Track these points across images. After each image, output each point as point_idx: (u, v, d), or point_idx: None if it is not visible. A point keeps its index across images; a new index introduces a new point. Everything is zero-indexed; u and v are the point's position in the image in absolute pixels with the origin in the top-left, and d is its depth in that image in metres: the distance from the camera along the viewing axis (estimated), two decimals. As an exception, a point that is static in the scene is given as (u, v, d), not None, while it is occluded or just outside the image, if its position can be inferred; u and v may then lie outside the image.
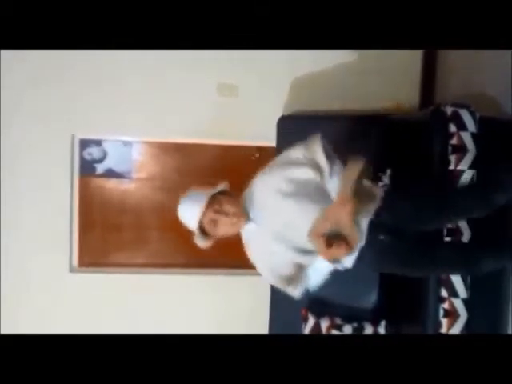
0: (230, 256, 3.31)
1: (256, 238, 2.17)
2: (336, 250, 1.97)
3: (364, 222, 2.09)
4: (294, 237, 2.09)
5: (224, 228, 2.10)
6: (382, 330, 2.69)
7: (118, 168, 3.30)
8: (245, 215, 2.13)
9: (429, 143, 2.53)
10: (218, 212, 2.07)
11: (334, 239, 1.97)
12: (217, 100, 3.15)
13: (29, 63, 2.99)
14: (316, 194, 2.11)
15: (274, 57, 2.96)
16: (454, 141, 2.44)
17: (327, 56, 3.04)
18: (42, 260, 3.13)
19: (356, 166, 2.04)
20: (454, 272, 2.39)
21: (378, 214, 2.11)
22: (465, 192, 2.34)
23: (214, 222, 2.08)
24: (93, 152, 3.26)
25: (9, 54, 2.90)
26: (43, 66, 3.02)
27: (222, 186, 2.14)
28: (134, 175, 3.32)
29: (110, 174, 3.29)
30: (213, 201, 2.07)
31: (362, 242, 2.08)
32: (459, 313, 2.42)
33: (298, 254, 2.11)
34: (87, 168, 3.25)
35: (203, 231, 2.11)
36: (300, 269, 2.15)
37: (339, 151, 2.17)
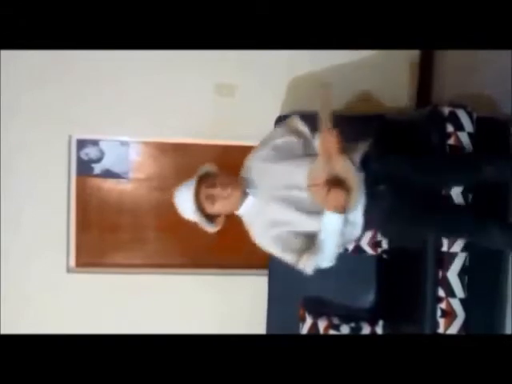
0: (227, 256, 3.33)
1: (259, 215, 2.13)
2: (335, 195, 1.96)
3: (355, 156, 2.10)
4: (297, 196, 2.07)
5: (222, 202, 2.08)
6: (379, 330, 2.70)
7: (115, 168, 3.29)
8: (240, 185, 2.12)
9: (426, 143, 2.53)
10: (211, 186, 2.06)
11: (330, 184, 1.97)
12: (215, 100, 3.15)
13: (26, 63, 2.99)
14: (304, 152, 2.15)
15: (272, 57, 2.96)
16: (451, 141, 2.45)
17: (325, 56, 3.04)
18: (39, 260, 3.12)
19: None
20: (456, 231, 2.33)
21: (367, 161, 2.12)
22: (454, 157, 2.38)
23: (211, 198, 2.06)
24: (90, 152, 3.25)
25: (7, 55, 2.90)
26: (41, 66, 3.02)
27: (209, 165, 2.16)
28: (132, 175, 3.32)
29: (108, 174, 3.29)
30: (205, 178, 2.08)
31: (360, 181, 2.06)
32: (457, 313, 2.42)
33: (306, 215, 2.07)
34: (84, 168, 3.25)
35: (205, 214, 2.09)
36: (312, 239, 2.09)
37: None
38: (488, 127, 2.51)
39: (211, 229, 2.13)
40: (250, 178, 2.17)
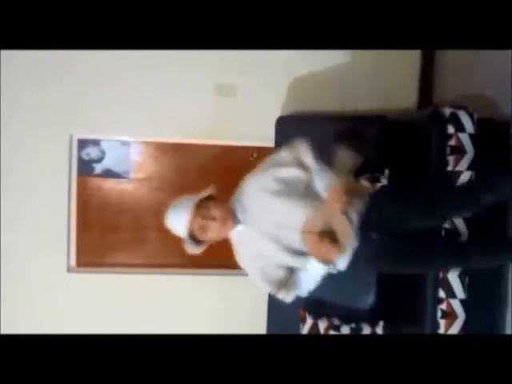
0: (227, 256, 3.31)
1: (246, 242, 2.17)
2: (327, 249, 1.98)
3: (355, 216, 2.10)
4: (286, 236, 2.10)
5: (213, 233, 2.11)
6: (379, 331, 2.69)
7: (115, 168, 3.29)
8: (232, 218, 2.13)
9: (427, 144, 2.53)
10: (205, 217, 2.08)
11: (325, 237, 1.98)
12: (215, 100, 3.15)
13: (27, 63, 2.99)
14: (305, 192, 2.13)
15: (273, 57, 2.96)
16: (452, 142, 2.45)
17: (325, 56, 3.04)
18: (40, 260, 3.12)
19: (346, 159, 2.07)
20: (448, 268, 2.37)
21: (366, 212, 2.12)
22: (454, 191, 2.33)
23: (203, 228, 2.09)
24: (91, 152, 3.25)
25: (7, 54, 2.90)
26: (41, 66, 3.01)
27: (209, 190, 2.14)
28: (132, 175, 3.32)
29: (108, 173, 3.29)
30: (200, 207, 2.08)
31: (354, 241, 2.08)
32: (457, 314, 2.42)
33: (291, 255, 2.11)
34: (85, 168, 3.24)
35: (193, 238, 2.11)
36: (292, 273, 2.15)
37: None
38: (489, 128, 2.51)
39: (195, 251, 2.15)
40: (243, 203, 2.17)
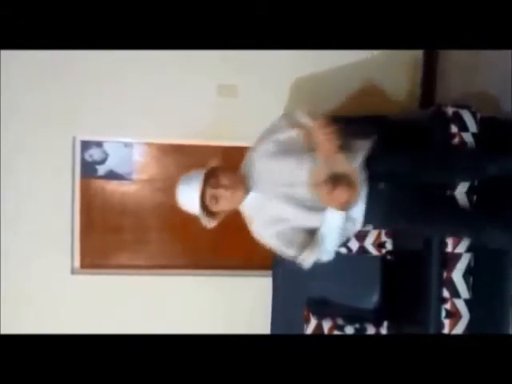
0: (231, 257, 3.33)
1: (260, 209, 2.15)
2: (339, 192, 1.97)
3: (359, 156, 2.11)
4: (298, 194, 2.09)
5: (225, 202, 2.10)
6: (384, 331, 2.69)
7: (118, 169, 3.30)
8: (243, 185, 2.13)
9: (429, 144, 2.52)
10: (216, 186, 2.07)
11: (333, 182, 1.98)
12: (217, 101, 3.15)
13: (29, 64, 3.00)
14: (306, 148, 2.13)
15: (275, 57, 2.96)
16: (455, 141, 2.44)
17: (328, 56, 3.04)
18: (44, 262, 3.12)
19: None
20: (457, 235, 2.35)
21: (368, 163, 2.12)
22: (459, 154, 2.36)
23: (215, 198, 2.08)
24: (94, 153, 3.26)
25: (9, 55, 2.90)
26: (44, 67, 3.02)
27: (214, 162, 2.16)
28: (135, 176, 3.32)
29: (111, 175, 3.29)
30: (209, 177, 2.08)
31: (362, 176, 2.08)
32: (461, 313, 2.41)
33: (307, 212, 2.09)
34: (88, 170, 3.25)
35: (206, 210, 2.10)
36: (312, 234, 2.12)
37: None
38: (492, 127, 2.51)
39: (210, 224, 2.14)
40: (251, 173, 2.17)
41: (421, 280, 2.49)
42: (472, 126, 2.45)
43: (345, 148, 2.07)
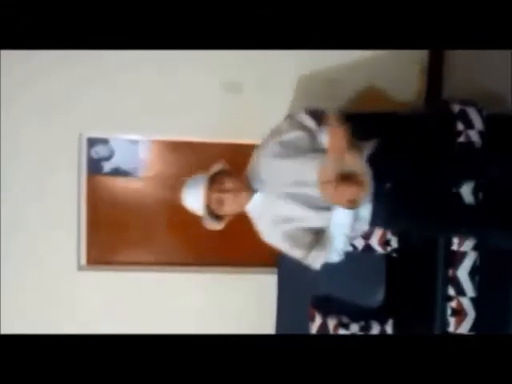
0: (236, 254, 3.33)
1: (267, 211, 2.15)
2: (347, 189, 1.97)
3: (365, 155, 2.11)
4: (305, 193, 2.08)
5: (230, 205, 2.11)
6: (389, 329, 2.69)
7: (125, 166, 3.30)
8: (247, 188, 2.13)
9: (436, 141, 2.52)
10: (221, 190, 2.08)
11: (341, 180, 1.98)
12: (223, 98, 3.15)
13: (35, 60, 2.99)
14: (312, 148, 2.14)
15: (281, 55, 2.95)
16: (461, 139, 2.43)
17: (333, 54, 3.02)
18: (50, 258, 3.14)
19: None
20: (462, 235, 2.36)
21: (374, 160, 2.12)
22: (461, 156, 2.35)
23: (220, 202, 2.09)
24: (100, 150, 3.27)
25: (13, 51, 2.90)
26: (50, 63, 3.02)
27: (220, 165, 2.15)
28: (141, 173, 3.33)
29: (117, 172, 3.30)
30: (214, 180, 2.09)
31: (369, 177, 2.07)
32: (467, 311, 2.41)
33: (315, 211, 2.09)
34: (94, 166, 3.26)
35: (212, 213, 2.11)
36: (320, 234, 2.12)
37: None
38: (498, 125, 2.49)
39: (217, 227, 2.15)
40: (257, 174, 2.17)
41: (426, 278, 2.48)
42: (478, 123, 2.44)
43: (354, 147, 2.07)
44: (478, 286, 2.43)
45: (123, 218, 3.33)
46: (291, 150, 2.13)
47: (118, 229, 3.33)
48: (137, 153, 3.31)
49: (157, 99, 3.13)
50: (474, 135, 2.42)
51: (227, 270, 3.30)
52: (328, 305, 2.75)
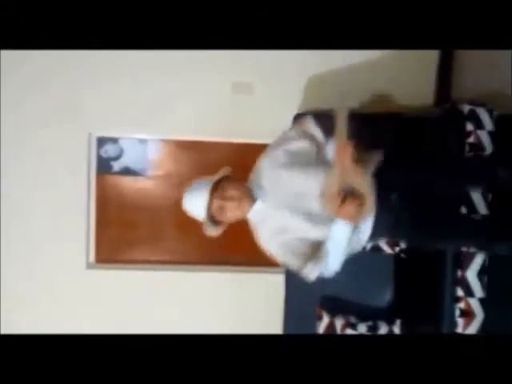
0: (244, 253, 3.33)
1: (267, 219, 2.15)
2: (350, 206, 1.97)
3: (370, 168, 2.10)
4: (307, 205, 2.09)
5: (231, 213, 2.11)
6: (396, 330, 2.68)
7: (134, 165, 3.32)
8: (249, 197, 2.13)
9: (445, 142, 2.51)
10: (223, 198, 2.08)
11: (346, 195, 1.97)
12: (232, 98, 3.15)
13: (45, 60, 3.02)
14: (318, 160, 2.14)
15: (289, 54, 2.95)
16: (471, 139, 2.42)
17: (343, 54, 3.03)
18: (59, 257, 3.16)
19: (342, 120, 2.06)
20: (469, 246, 2.35)
21: (380, 171, 2.11)
22: (468, 159, 2.35)
23: (221, 209, 2.09)
24: (109, 150, 3.28)
25: (21, 52, 2.92)
26: (60, 63, 3.04)
27: (224, 171, 2.15)
28: (150, 173, 3.35)
29: (126, 171, 3.32)
30: (216, 187, 2.09)
31: (374, 197, 2.06)
32: (475, 312, 2.40)
33: (314, 224, 2.08)
34: (104, 165, 3.28)
35: (212, 219, 2.12)
36: (318, 246, 2.11)
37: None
38: (508, 125, 2.48)
39: (215, 233, 2.15)
40: (259, 182, 2.17)
41: (434, 279, 2.48)
42: (488, 123, 2.44)
43: (360, 161, 2.06)
44: (486, 287, 2.42)
45: (132, 217, 3.35)
46: (296, 161, 2.13)
47: (127, 227, 3.35)
48: (146, 152, 3.33)
49: (166, 99, 3.14)
50: (483, 135, 2.41)
51: (235, 269, 3.31)
52: (335, 304, 2.75)
